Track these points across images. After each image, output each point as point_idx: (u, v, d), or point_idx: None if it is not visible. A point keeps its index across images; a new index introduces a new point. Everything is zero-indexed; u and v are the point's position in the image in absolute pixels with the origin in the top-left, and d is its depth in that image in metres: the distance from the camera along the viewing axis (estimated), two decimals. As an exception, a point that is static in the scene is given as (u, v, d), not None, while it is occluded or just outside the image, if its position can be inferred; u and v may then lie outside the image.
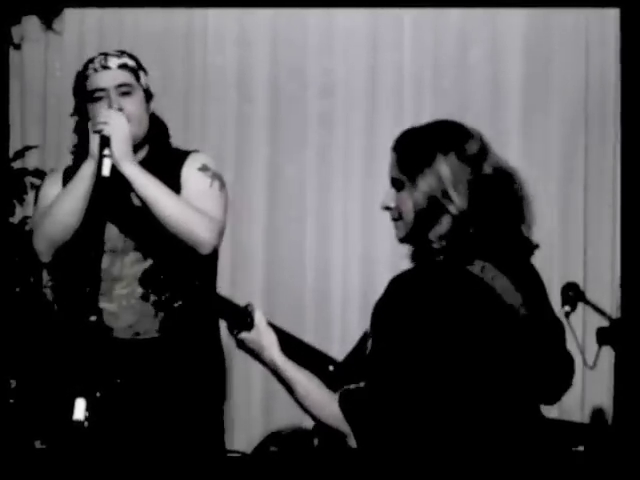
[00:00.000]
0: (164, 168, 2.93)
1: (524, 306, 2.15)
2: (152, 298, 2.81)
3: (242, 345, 2.24)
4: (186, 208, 2.81)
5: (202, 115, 4.88)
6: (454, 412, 2.08)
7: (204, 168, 2.94)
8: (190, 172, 2.93)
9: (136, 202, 2.88)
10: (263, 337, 2.22)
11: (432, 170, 2.15)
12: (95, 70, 2.91)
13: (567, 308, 3.86)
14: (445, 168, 2.15)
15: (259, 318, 2.22)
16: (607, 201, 4.73)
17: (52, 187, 2.96)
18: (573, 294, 3.89)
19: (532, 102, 4.80)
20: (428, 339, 2.07)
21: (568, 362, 2.27)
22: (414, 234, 2.19)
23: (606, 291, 4.66)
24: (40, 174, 4.48)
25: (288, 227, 4.86)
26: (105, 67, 2.90)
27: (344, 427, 2.13)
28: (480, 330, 2.09)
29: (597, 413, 4.61)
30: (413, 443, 2.10)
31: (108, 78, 2.89)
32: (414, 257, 2.21)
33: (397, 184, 2.22)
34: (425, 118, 5.03)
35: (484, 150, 2.20)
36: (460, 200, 2.14)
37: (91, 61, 2.93)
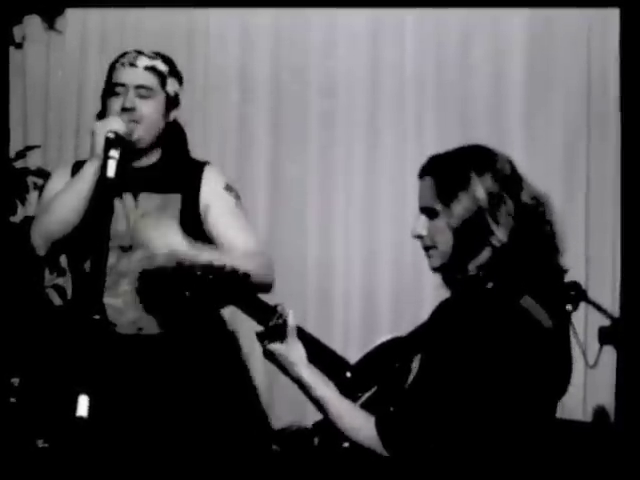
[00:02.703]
0: (177, 176, 2.95)
1: (555, 333, 2.14)
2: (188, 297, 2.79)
3: (270, 356, 2.21)
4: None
5: (204, 115, 4.88)
6: (495, 444, 2.08)
7: (228, 188, 2.98)
8: (215, 193, 2.95)
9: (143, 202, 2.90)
10: (292, 352, 2.18)
11: (468, 193, 2.11)
12: (122, 65, 2.93)
13: (569, 307, 3.86)
14: (481, 190, 2.11)
15: (291, 329, 2.19)
16: (609, 200, 4.73)
17: (57, 181, 2.97)
18: (575, 293, 3.89)
19: (534, 101, 4.80)
20: (482, 371, 2.05)
21: (571, 364, 2.28)
22: (451, 263, 2.14)
23: (608, 290, 4.66)
24: (42, 174, 4.48)
25: (289, 226, 4.85)
26: (132, 64, 2.92)
27: (379, 449, 2.10)
28: (531, 364, 2.09)
29: (599, 412, 4.61)
30: (445, 465, 2.09)
31: (131, 76, 2.91)
32: (451, 285, 2.17)
33: (429, 212, 2.17)
34: (427, 118, 5.09)
35: (517, 175, 2.17)
36: (500, 232, 2.11)
37: (124, 55, 2.95)
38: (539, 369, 2.10)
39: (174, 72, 3.00)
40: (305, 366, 2.18)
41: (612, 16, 4.72)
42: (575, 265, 4.77)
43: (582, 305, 4.02)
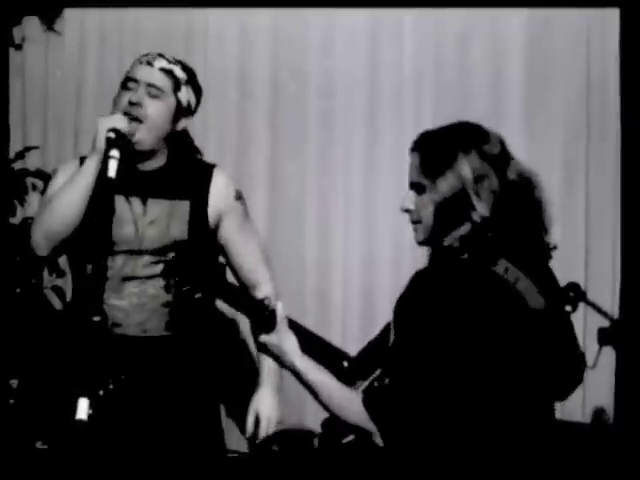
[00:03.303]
0: (185, 181, 2.95)
1: (545, 307, 2.15)
2: (173, 290, 2.82)
3: (263, 347, 2.24)
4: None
5: (203, 115, 4.85)
6: (474, 407, 2.08)
7: (238, 196, 3.00)
8: (227, 204, 2.99)
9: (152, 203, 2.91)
10: (284, 341, 2.21)
11: (453, 171, 2.14)
12: (140, 62, 2.95)
13: (568, 308, 3.86)
14: (466, 168, 2.14)
15: (281, 320, 2.21)
16: (609, 200, 4.72)
17: (62, 177, 2.98)
18: (574, 294, 3.89)
19: (533, 102, 4.80)
20: (452, 336, 2.07)
21: (580, 358, 2.27)
22: (433, 237, 2.18)
23: (607, 291, 4.65)
24: (41, 175, 4.48)
25: (288, 226, 4.85)
26: (149, 63, 2.93)
27: (370, 426, 2.12)
28: (503, 329, 2.09)
29: (598, 413, 4.61)
30: (436, 437, 2.09)
31: (144, 73, 2.93)
32: (433, 258, 2.20)
33: (417, 187, 2.20)
34: (426, 118, 5.08)
35: (506, 154, 2.19)
36: (482, 207, 2.13)
37: (146, 54, 2.97)
38: (511, 334, 2.10)
39: (192, 82, 3.01)
40: (297, 354, 2.21)
41: (612, 16, 4.72)
42: (575, 266, 4.82)
43: (581, 306, 4.03)
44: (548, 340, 2.15)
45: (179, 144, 3.03)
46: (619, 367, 4.50)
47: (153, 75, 2.92)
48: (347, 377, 2.23)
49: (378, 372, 2.22)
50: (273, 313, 2.20)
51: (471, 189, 2.13)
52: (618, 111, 4.69)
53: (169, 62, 2.97)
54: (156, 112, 2.91)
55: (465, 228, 2.15)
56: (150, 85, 2.91)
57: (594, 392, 4.61)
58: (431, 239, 2.20)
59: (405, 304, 2.13)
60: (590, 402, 4.64)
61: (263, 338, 2.21)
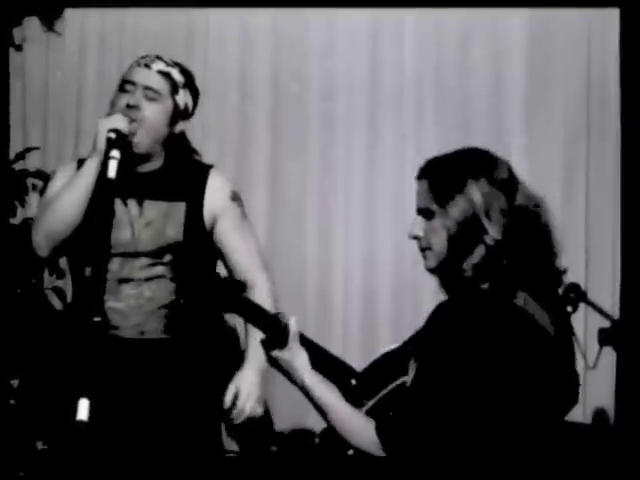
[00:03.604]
0: (181, 183, 2.95)
1: (557, 336, 2.14)
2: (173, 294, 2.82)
3: (274, 362, 2.23)
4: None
5: (203, 115, 4.87)
6: (496, 447, 2.08)
7: (234, 197, 2.99)
8: (223, 204, 2.97)
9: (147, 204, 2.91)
10: (295, 358, 2.20)
11: (464, 196, 2.12)
12: (138, 64, 2.94)
13: (569, 309, 3.86)
14: (477, 193, 2.12)
15: (293, 336, 2.20)
16: (609, 200, 4.72)
17: (61, 179, 2.97)
18: (574, 295, 3.90)
19: (534, 102, 4.80)
20: (479, 372, 2.05)
21: (577, 379, 2.27)
22: (447, 264, 2.16)
23: (607, 292, 4.65)
24: (41, 175, 4.48)
25: (288, 227, 4.85)
26: (147, 66, 2.93)
27: (380, 454, 2.10)
28: (528, 363, 2.09)
29: (598, 413, 4.61)
30: (448, 468, 2.08)
31: (142, 76, 2.91)
32: (447, 287, 2.19)
33: (425, 213, 2.18)
34: (427, 118, 5.08)
35: (514, 179, 2.18)
36: (493, 229, 2.12)
37: (144, 57, 2.96)
38: (536, 368, 2.10)
39: (190, 85, 3.00)
40: (307, 371, 2.20)
41: (612, 16, 4.72)
42: (575, 266, 4.81)
43: (582, 306, 4.03)
44: (558, 367, 2.15)
45: (176, 146, 3.02)
46: (619, 367, 4.50)
47: (151, 78, 2.91)
48: (354, 395, 2.22)
49: (384, 392, 2.22)
50: (286, 328, 2.19)
51: (482, 213, 2.12)
52: (618, 111, 4.69)
53: (167, 65, 2.96)
54: (153, 115, 2.90)
55: (478, 254, 2.13)
56: (147, 88, 2.90)
57: (594, 392, 4.61)
58: (444, 266, 2.18)
59: (429, 338, 2.11)
60: (590, 402, 4.64)
61: (275, 353, 2.20)
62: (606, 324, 4.21)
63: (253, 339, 2.88)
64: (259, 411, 2.94)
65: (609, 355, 4.38)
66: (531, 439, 2.12)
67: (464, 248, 2.13)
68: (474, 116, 4.80)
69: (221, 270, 2.98)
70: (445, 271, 2.18)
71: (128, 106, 2.88)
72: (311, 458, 4.40)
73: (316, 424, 4.36)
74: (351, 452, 2.17)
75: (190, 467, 2.89)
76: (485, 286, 2.14)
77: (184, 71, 3.00)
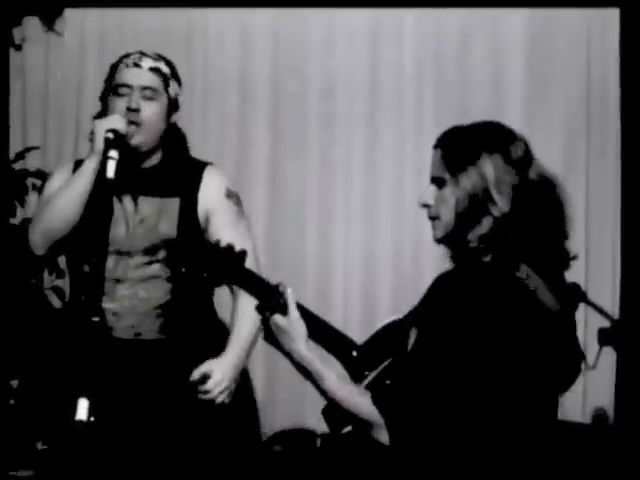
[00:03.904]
0: (176, 179, 2.95)
1: (559, 311, 2.14)
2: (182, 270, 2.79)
3: (270, 335, 2.21)
4: None
5: (203, 115, 4.88)
6: (491, 413, 2.08)
7: (229, 194, 2.97)
8: (217, 201, 2.95)
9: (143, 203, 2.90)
10: (294, 328, 2.20)
11: (476, 169, 2.13)
12: (127, 65, 2.92)
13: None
14: (489, 168, 2.12)
15: (292, 305, 2.20)
16: (609, 200, 4.72)
17: (57, 180, 2.97)
18: (575, 295, 3.89)
19: (533, 101, 4.80)
20: (475, 344, 2.05)
21: (580, 353, 2.27)
22: (453, 234, 2.17)
23: (607, 292, 4.66)
24: (41, 175, 4.48)
25: (288, 227, 4.86)
26: (137, 65, 2.91)
27: (376, 419, 2.10)
28: (525, 336, 2.08)
29: (598, 413, 4.61)
30: (444, 435, 2.08)
31: (135, 77, 2.90)
32: (454, 258, 2.19)
33: (438, 182, 2.18)
34: (426, 118, 5.08)
35: (529, 155, 2.18)
36: (502, 202, 2.12)
37: (127, 56, 2.95)
38: (533, 341, 2.10)
39: (175, 75, 3.00)
40: (304, 342, 2.19)
41: (612, 16, 4.72)
42: (575, 266, 4.81)
43: (582, 306, 4.03)
44: (559, 342, 2.15)
45: (173, 141, 3.02)
46: (619, 367, 4.50)
47: (144, 77, 2.90)
48: (355, 366, 2.21)
49: (386, 363, 2.21)
50: (284, 295, 2.19)
51: (493, 185, 2.12)
52: (618, 111, 4.69)
53: (154, 60, 2.95)
54: (153, 113, 2.90)
55: (485, 225, 2.14)
56: (144, 88, 2.90)
57: (594, 392, 4.62)
58: (450, 236, 2.18)
59: (429, 309, 2.11)
60: (590, 402, 4.65)
61: (275, 318, 2.19)
62: (606, 324, 4.20)
63: (236, 334, 2.88)
64: (225, 400, 2.89)
65: (609, 355, 4.38)
66: (530, 414, 2.11)
67: (472, 219, 2.13)
68: (474, 116, 4.75)
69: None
70: (452, 242, 2.18)
71: (129, 109, 2.87)
72: (311, 458, 4.40)
73: (317, 424, 4.35)
74: (346, 429, 2.16)
75: (187, 466, 2.89)
76: (487, 258, 2.14)
77: (168, 62, 2.99)
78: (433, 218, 2.21)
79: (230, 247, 2.18)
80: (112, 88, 2.92)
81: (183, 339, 2.93)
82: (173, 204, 2.93)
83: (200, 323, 2.97)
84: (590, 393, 4.62)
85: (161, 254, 2.91)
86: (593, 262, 4.71)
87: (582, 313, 4.34)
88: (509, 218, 2.12)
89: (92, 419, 2.35)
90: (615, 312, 4.48)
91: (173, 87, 2.97)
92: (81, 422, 2.35)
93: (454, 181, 2.15)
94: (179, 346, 2.93)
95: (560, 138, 4.79)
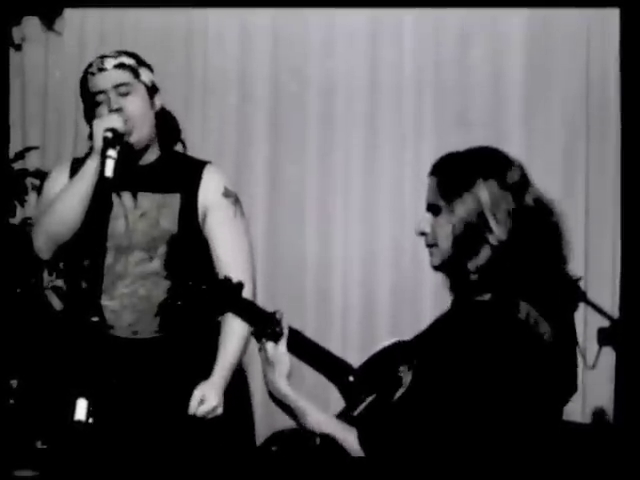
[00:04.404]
0: (176, 176, 2.95)
1: (556, 342, 2.12)
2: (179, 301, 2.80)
3: (264, 358, 2.22)
4: None
5: (202, 115, 4.88)
6: (486, 454, 2.07)
7: (227, 194, 2.98)
8: (214, 199, 2.96)
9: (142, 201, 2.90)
10: (279, 361, 2.18)
11: (471, 195, 2.11)
12: (92, 74, 2.93)
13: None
14: (485, 194, 2.11)
15: (283, 338, 2.20)
16: (609, 200, 4.72)
17: (56, 181, 2.97)
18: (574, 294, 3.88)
19: (533, 101, 4.80)
20: (476, 387, 2.04)
21: (573, 374, 2.26)
22: (451, 263, 2.15)
23: (607, 291, 4.65)
24: (41, 175, 4.47)
25: (288, 227, 4.85)
26: (101, 69, 2.92)
27: (359, 454, 2.09)
28: (524, 378, 2.07)
29: (598, 413, 4.61)
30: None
31: (105, 80, 2.91)
32: (452, 288, 2.18)
33: (434, 209, 2.17)
34: (426, 118, 5.08)
35: (526, 181, 2.17)
36: (499, 229, 2.10)
37: (90, 65, 2.95)
38: (535, 384, 2.09)
39: (142, 63, 3.00)
40: (285, 377, 2.19)
41: (612, 16, 4.72)
42: (575, 266, 4.80)
43: (581, 306, 4.02)
44: (559, 374, 2.14)
45: (167, 129, 3.03)
46: (619, 367, 4.50)
47: (113, 76, 2.91)
48: (352, 392, 2.21)
49: (375, 396, 2.21)
50: (281, 329, 2.19)
51: (489, 212, 2.11)
52: (618, 111, 4.69)
53: (116, 57, 2.96)
54: (136, 106, 2.91)
55: (484, 255, 2.12)
56: (117, 86, 2.91)
57: (594, 392, 4.61)
58: (448, 264, 2.17)
59: (427, 349, 2.10)
60: (590, 402, 4.64)
61: (266, 346, 2.18)
62: (606, 324, 4.20)
63: (223, 355, 2.89)
64: (219, 411, 2.91)
65: (609, 355, 4.38)
66: (524, 455, 2.10)
67: (469, 247, 2.12)
68: (473, 116, 4.80)
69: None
70: (450, 270, 2.17)
71: (112, 112, 2.88)
72: (312, 458, 4.39)
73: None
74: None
75: (186, 466, 2.89)
76: (487, 297, 2.13)
77: (130, 54, 3.00)
78: (430, 245, 2.20)
79: (227, 279, 2.19)
80: (89, 100, 2.93)
81: (181, 338, 2.93)
82: (174, 199, 2.94)
83: (198, 322, 2.96)
84: (590, 393, 4.62)
85: (160, 250, 2.91)
86: (593, 262, 4.70)
87: (582, 313, 4.35)
88: (507, 246, 2.11)
89: (91, 420, 2.35)
90: (615, 312, 4.48)
91: (144, 74, 2.97)
92: (80, 422, 2.35)
93: (449, 208, 2.14)
94: (177, 345, 2.93)
95: (560, 138, 4.79)
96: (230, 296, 2.18)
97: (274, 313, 2.21)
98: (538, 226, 2.14)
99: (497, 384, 2.05)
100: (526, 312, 2.09)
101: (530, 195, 2.15)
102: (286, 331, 2.19)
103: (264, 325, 2.19)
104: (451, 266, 2.16)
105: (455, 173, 2.16)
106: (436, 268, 2.20)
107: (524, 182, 2.16)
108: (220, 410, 2.89)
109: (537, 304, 2.10)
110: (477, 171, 2.14)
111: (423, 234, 2.20)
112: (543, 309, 2.10)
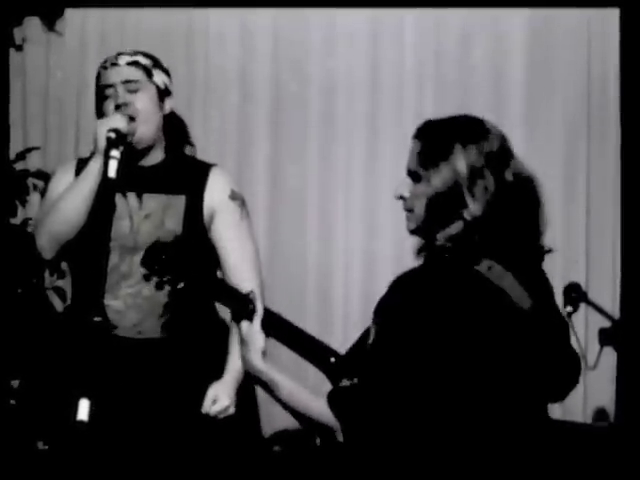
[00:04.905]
0: (182, 177, 2.95)
1: (531, 305, 2.11)
2: (154, 279, 2.79)
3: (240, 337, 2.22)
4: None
5: (204, 115, 4.88)
6: (453, 411, 2.05)
7: (234, 196, 2.99)
8: (221, 201, 2.96)
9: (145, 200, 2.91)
10: (253, 339, 2.17)
11: (448, 164, 2.09)
12: (105, 68, 2.95)
13: (569, 309, 3.86)
14: (462, 164, 2.08)
15: (257, 317, 2.20)
16: (609, 200, 4.72)
17: (61, 181, 2.98)
18: (575, 295, 3.89)
19: (534, 101, 4.80)
20: (431, 338, 2.03)
21: (574, 360, 2.24)
22: (424, 229, 2.16)
23: (608, 291, 4.66)
24: (42, 175, 4.48)
25: (289, 226, 4.86)
26: (114, 64, 2.94)
27: (332, 423, 2.08)
28: (484, 328, 2.05)
29: (599, 413, 4.61)
30: (406, 440, 2.06)
31: (115, 74, 2.93)
32: (420, 252, 2.18)
33: (413, 175, 2.16)
34: (427, 117, 5.06)
35: (505, 152, 2.14)
36: (475, 206, 2.09)
37: (105, 60, 2.97)
38: (492, 338, 2.06)
39: (158, 65, 3.01)
40: (259, 355, 2.17)
41: (612, 16, 4.72)
42: (575, 266, 4.82)
43: (582, 306, 4.02)
44: (535, 340, 2.11)
45: (174, 133, 3.04)
46: (620, 367, 4.50)
47: (123, 72, 2.93)
48: (334, 373, 2.21)
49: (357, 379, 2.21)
50: (247, 296, 2.20)
51: (465, 186, 2.09)
52: (618, 111, 4.69)
53: (131, 55, 2.98)
54: (143, 103, 2.92)
55: (457, 227, 2.11)
56: (126, 82, 2.92)
57: (595, 392, 4.62)
58: (422, 230, 2.17)
59: (384, 307, 2.09)
60: (591, 402, 4.65)
61: (241, 325, 2.17)
62: (607, 324, 4.20)
63: (233, 355, 2.89)
64: (231, 411, 2.93)
65: (609, 355, 4.38)
66: (499, 412, 2.08)
67: (442, 219, 2.11)
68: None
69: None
70: (423, 236, 2.17)
71: (117, 106, 2.89)
72: (312, 458, 4.40)
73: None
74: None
75: (188, 465, 2.89)
76: (448, 255, 2.12)
77: (147, 55, 3.01)
78: (407, 210, 2.19)
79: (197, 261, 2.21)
80: (99, 94, 2.95)
81: (185, 338, 2.94)
82: (179, 201, 2.94)
83: (202, 322, 2.97)
84: (591, 393, 4.62)
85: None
86: (593, 262, 4.71)
87: (583, 313, 4.34)
88: (480, 222, 2.10)
89: (93, 422, 2.35)
90: (616, 312, 4.48)
91: (158, 76, 2.98)
92: (82, 422, 2.35)
93: (427, 177, 2.12)
94: (181, 345, 2.93)
95: (560, 138, 4.79)
96: (203, 279, 2.20)
97: (248, 294, 2.21)
98: (515, 203, 2.12)
99: (452, 335, 2.03)
100: (487, 266, 2.08)
101: (510, 170, 2.13)
102: (260, 310, 2.19)
103: (239, 305, 2.20)
104: (425, 232, 2.16)
105: (434, 140, 2.14)
106: (412, 232, 2.20)
107: (504, 153, 2.14)
108: (232, 410, 2.90)
109: (505, 264, 2.09)
110: (455, 139, 2.11)
111: (401, 198, 2.20)
112: (512, 268, 2.09)
